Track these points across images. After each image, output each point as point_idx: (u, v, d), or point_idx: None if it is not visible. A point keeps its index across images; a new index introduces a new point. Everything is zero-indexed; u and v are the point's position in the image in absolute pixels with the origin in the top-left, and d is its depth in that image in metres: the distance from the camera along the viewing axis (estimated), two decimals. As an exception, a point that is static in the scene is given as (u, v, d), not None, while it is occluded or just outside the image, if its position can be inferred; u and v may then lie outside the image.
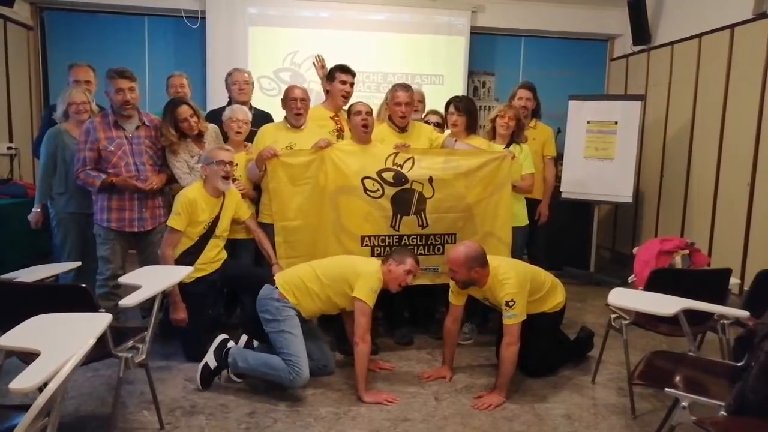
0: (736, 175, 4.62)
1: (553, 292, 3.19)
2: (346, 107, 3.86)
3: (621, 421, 2.78)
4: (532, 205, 4.09)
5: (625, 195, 5.29)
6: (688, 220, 5.20)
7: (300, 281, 3.04)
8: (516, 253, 3.69)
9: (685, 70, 5.29)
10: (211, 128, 3.76)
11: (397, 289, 3.14)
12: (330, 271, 3.07)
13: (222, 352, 3.05)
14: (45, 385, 1.63)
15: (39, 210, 3.89)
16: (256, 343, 3.23)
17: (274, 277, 3.11)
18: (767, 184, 4.33)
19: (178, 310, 3.27)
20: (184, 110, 3.56)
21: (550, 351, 3.26)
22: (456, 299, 3.19)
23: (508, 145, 3.79)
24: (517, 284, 2.94)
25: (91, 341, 1.82)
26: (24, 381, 1.58)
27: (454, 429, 2.69)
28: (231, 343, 3.10)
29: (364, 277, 2.98)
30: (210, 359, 3.03)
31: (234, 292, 3.89)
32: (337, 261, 3.21)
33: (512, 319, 2.93)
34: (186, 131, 3.59)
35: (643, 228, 5.88)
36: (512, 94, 4.41)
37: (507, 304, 2.92)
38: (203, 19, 5.80)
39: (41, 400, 1.61)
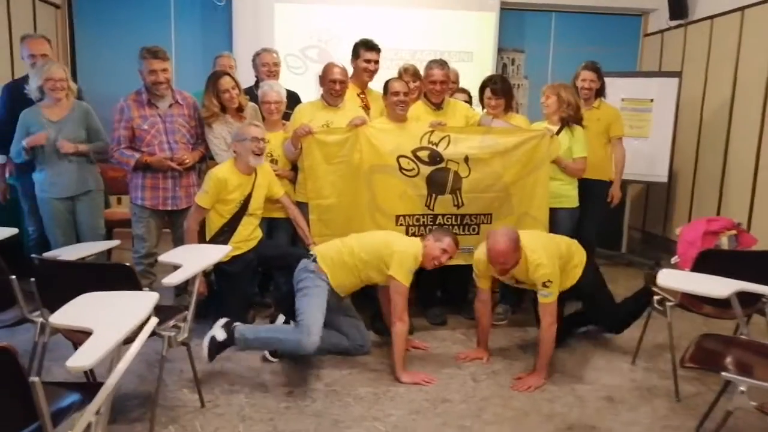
0: (777, 154, 4.48)
1: (572, 252, 3.14)
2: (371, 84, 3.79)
3: (665, 404, 2.74)
4: (588, 186, 3.89)
5: (660, 175, 5.18)
6: (725, 201, 5.08)
7: (338, 254, 3.03)
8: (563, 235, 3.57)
9: (725, 46, 5.12)
10: (251, 106, 3.73)
11: (432, 267, 3.10)
12: (368, 247, 3.05)
13: (229, 325, 2.96)
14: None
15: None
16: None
17: (313, 251, 3.10)
18: (811, 164, 4.20)
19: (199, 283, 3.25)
20: (226, 81, 3.55)
21: (615, 305, 3.26)
22: (482, 283, 3.15)
23: (560, 128, 3.67)
24: (551, 264, 2.90)
25: (153, 320, 1.82)
26: (81, 360, 1.58)
27: (494, 410, 2.67)
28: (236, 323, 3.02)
29: (399, 255, 2.96)
30: (218, 332, 2.90)
31: (268, 271, 3.88)
32: (376, 236, 3.18)
33: (549, 298, 2.89)
34: (226, 103, 3.57)
35: (676, 209, 5.75)
36: (575, 74, 4.24)
37: (544, 284, 2.87)
38: (230, -5, 5.73)
39: (112, 380, 1.62)
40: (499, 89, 3.71)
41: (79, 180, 3.61)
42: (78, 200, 3.63)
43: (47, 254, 2.90)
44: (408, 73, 3.89)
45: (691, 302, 2.91)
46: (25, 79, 3.74)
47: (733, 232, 3.22)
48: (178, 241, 3.61)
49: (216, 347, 2.94)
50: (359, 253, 3.02)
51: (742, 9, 4.92)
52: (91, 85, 3.77)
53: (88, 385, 2.32)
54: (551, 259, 2.93)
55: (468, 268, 3.71)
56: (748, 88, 4.83)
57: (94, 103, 3.85)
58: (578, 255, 3.17)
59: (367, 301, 3.46)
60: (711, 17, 5.33)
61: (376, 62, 3.85)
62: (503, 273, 2.99)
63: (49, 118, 3.50)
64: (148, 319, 1.90)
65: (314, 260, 3.02)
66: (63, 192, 3.57)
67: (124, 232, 4.42)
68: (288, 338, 2.86)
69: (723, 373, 2.07)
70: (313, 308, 2.88)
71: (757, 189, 4.71)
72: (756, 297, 2.68)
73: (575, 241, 3.22)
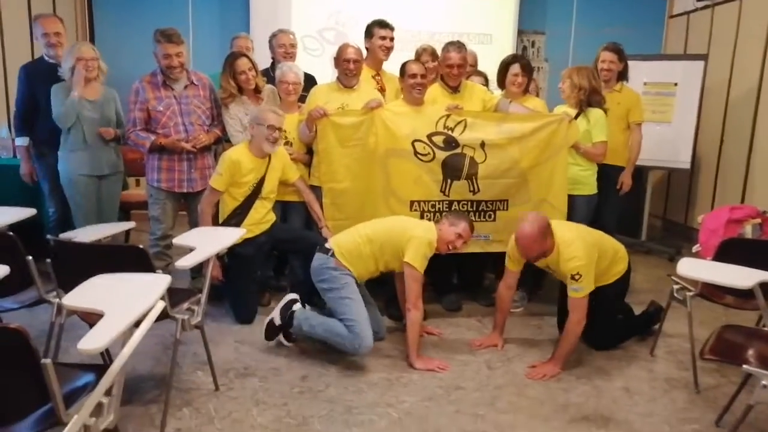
0: (805, 141, 4.35)
1: (615, 258, 3.03)
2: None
3: (683, 396, 2.69)
4: (606, 172, 3.83)
5: (683, 161, 5.06)
6: (750, 189, 4.95)
7: (354, 245, 3.00)
8: (580, 223, 3.47)
9: (755, 27, 4.96)
10: (268, 88, 3.71)
11: (446, 251, 3.07)
12: (383, 234, 3.02)
13: (288, 311, 3.03)
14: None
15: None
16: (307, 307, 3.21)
17: (328, 244, 3.05)
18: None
19: (213, 267, 3.26)
20: (243, 62, 3.53)
21: (616, 324, 3.15)
22: (513, 265, 3.08)
23: (579, 112, 3.58)
24: (585, 255, 2.79)
25: (160, 303, 1.81)
26: (91, 342, 1.57)
27: (509, 399, 2.64)
28: (297, 305, 3.07)
29: (414, 241, 2.92)
30: (276, 315, 3.04)
31: (283, 255, 3.88)
32: (391, 222, 3.13)
33: (579, 293, 2.80)
34: (243, 84, 3.55)
35: (699, 196, 5.63)
36: (596, 56, 4.15)
37: (573, 277, 2.78)
38: (247, -24, 5.68)
39: (118, 363, 1.61)
40: (527, 65, 3.67)
41: (110, 160, 3.70)
42: (106, 179, 3.70)
43: (63, 235, 2.91)
44: (426, 52, 3.84)
45: (712, 292, 2.84)
46: (41, 59, 3.75)
47: (758, 220, 3.13)
48: (194, 223, 3.62)
49: (273, 330, 3.04)
50: (376, 241, 2.99)
51: (773, -10, 4.77)
52: (111, 67, 3.75)
53: (103, 366, 2.32)
54: (588, 252, 2.82)
55: (484, 255, 3.70)
56: (777, 72, 4.69)
57: (114, 84, 3.86)
58: (622, 264, 3.06)
59: (381, 287, 3.44)
60: (740, -2, 5.17)
61: (392, 39, 3.81)
62: (533, 259, 2.94)
63: (85, 96, 3.53)
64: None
65: (332, 255, 2.98)
66: (96, 170, 3.63)
67: (141, 213, 4.45)
68: (344, 342, 2.86)
69: (744, 366, 2.02)
70: (356, 311, 2.88)
71: (783, 177, 4.59)
72: (780, 288, 2.61)
73: (623, 248, 3.09)
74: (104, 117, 3.64)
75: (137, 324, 1.78)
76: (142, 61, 4.02)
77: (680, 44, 6.04)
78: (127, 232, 3.85)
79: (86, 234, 2.89)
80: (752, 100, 4.94)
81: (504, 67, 3.77)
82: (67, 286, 2.32)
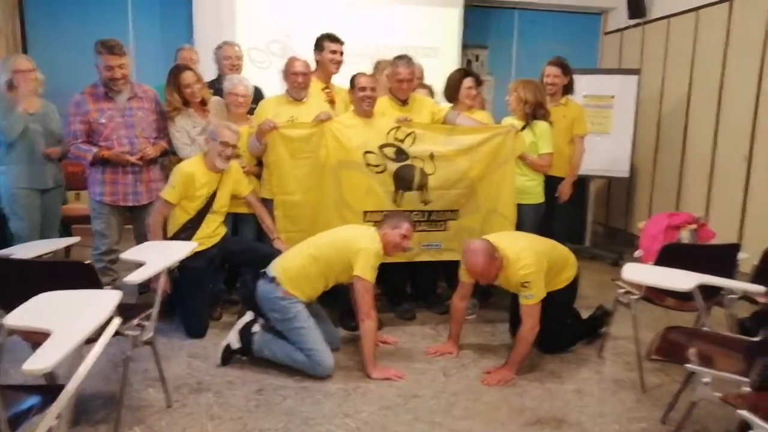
0: (732, 149, 4.63)
1: (566, 265, 3.12)
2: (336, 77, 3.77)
3: (631, 396, 2.79)
4: (553, 182, 3.96)
5: (622, 170, 5.30)
6: (684, 195, 5.22)
7: (299, 268, 2.94)
8: (528, 231, 3.51)
9: (681, 45, 5.26)
10: (215, 100, 3.66)
11: (395, 254, 3.10)
12: (328, 250, 2.97)
13: (246, 334, 2.98)
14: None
15: None
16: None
17: (272, 271, 2.97)
18: (764, 159, 4.35)
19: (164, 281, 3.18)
20: (188, 76, 3.47)
21: (565, 328, 3.22)
22: (467, 277, 3.11)
23: (525, 125, 3.68)
24: (534, 263, 2.85)
25: (116, 320, 1.75)
26: (38, 362, 1.50)
27: (465, 405, 2.67)
28: (256, 327, 3.01)
29: (363, 253, 2.91)
30: (233, 339, 2.98)
31: (234, 268, 3.81)
32: (334, 237, 3.08)
33: (531, 300, 2.85)
34: (189, 98, 3.49)
35: (637, 203, 5.90)
36: (541, 71, 4.27)
37: (523, 285, 2.84)
38: (191, -13, 5.59)
39: (73, 384, 1.55)
40: (478, 78, 3.78)
41: (53, 173, 3.63)
42: (48, 193, 3.61)
43: (0, 252, 2.77)
44: (379, 68, 3.89)
45: (654, 295, 2.96)
46: None
47: (694, 226, 3.31)
48: (140, 237, 3.52)
49: (230, 354, 2.97)
50: (322, 259, 2.95)
51: (696, 9, 5.08)
52: (47, 79, 3.63)
53: (48, 387, 2.22)
54: (537, 260, 2.86)
55: (436, 264, 3.74)
56: (704, 86, 4.98)
57: (50, 96, 3.72)
58: (571, 270, 3.13)
59: (334, 298, 3.42)
60: (667, 17, 5.48)
61: (341, 53, 3.83)
62: (490, 282, 2.99)
63: (26, 109, 3.43)
64: (110, 318, 1.83)
65: (277, 283, 2.91)
66: (40, 184, 3.54)
67: (83, 228, 4.29)
68: (305, 368, 2.86)
69: (688, 365, 2.11)
70: (312, 339, 2.87)
71: (713, 184, 4.86)
72: (716, 290, 2.75)
73: (572, 255, 3.17)
74: (47, 129, 3.56)
75: (88, 342, 1.71)
76: (77, 73, 3.89)
77: (615, 59, 6.33)
78: (68, 248, 3.69)
79: (25, 250, 2.76)
80: (682, 113, 5.23)
81: (457, 81, 3.83)
82: (8, 305, 2.22)
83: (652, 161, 5.65)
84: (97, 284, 2.27)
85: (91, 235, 3.61)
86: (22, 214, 3.47)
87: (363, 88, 3.45)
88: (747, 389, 1.94)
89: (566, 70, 4.22)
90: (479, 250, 2.86)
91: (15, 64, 3.41)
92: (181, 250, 2.76)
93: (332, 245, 3.01)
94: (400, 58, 3.62)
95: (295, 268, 2.95)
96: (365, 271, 2.89)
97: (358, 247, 2.93)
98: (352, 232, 3.11)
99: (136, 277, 2.31)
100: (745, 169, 4.48)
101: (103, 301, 1.92)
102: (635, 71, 5.41)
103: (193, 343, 3.21)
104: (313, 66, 3.75)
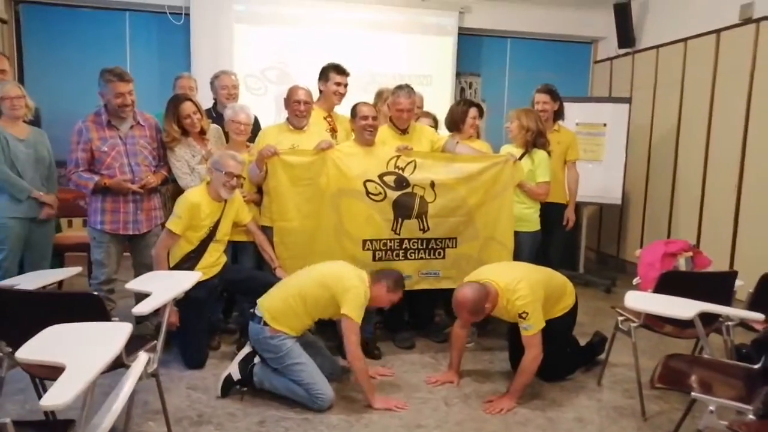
0: (723, 177, 4.72)
1: (563, 293, 3.15)
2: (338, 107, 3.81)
3: (632, 424, 2.80)
4: (548, 209, 4.01)
5: (614, 197, 5.38)
6: (675, 222, 5.30)
7: (285, 306, 2.91)
8: (525, 259, 3.62)
9: (670, 74, 5.39)
10: (213, 128, 3.69)
11: (387, 306, 3.13)
12: (315, 288, 2.93)
13: (247, 366, 2.97)
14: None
15: None
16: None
17: (258, 311, 2.96)
18: (754, 187, 4.44)
19: (171, 313, 3.17)
20: (187, 107, 3.49)
21: (564, 356, 3.24)
22: None
23: (524, 153, 3.74)
24: (530, 293, 2.87)
25: (143, 356, 1.78)
26: (56, 397, 1.50)
27: (469, 434, 2.67)
28: (257, 358, 3.00)
29: (352, 292, 2.87)
30: (234, 370, 2.96)
31: (231, 297, 3.80)
32: (321, 273, 3.01)
33: (530, 330, 2.87)
34: (188, 128, 3.51)
35: (629, 230, 5.97)
36: (531, 99, 4.36)
37: (521, 315, 2.86)
38: (188, 15, 5.66)
39: (108, 422, 1.55)
40: (480, 108, 3.89)
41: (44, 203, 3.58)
42: (39, 222, 3.57)
43: (3, 283, 2.75)
44: (382, 97, 3.95)
45: (653, 322, 2.99)
46: None
47: (690, 253, 3.37)
48: (139, 266, 3.51)
49: (231, 385, 2.95)
50: (309, 297, 2.91)
51: (684, 40, 5.21)
52: (44, 107, 3.65)
53: (50, 423, 2.20)
54: (532, 290, 2.88)
55: (435, 292, 3.76)
56: (693, 114, 5.09)
57: (47, 123, 3.74)
58: (569, 298, 3.16)
59: (332, 327, 3.42)
60: (656, 47, 5.61)
61: (346, 85, 3.88)
62: (486, 316, 3.01)
63: (16, 135, 3.45)
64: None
65: (264, 323, 2.89)
66: (30, 212, 3.51)
67: (75, 256, 4.27)
68: (305, 402, 2.85)
69: (693, 394, 2.14)
70: (308, 373, 2.85)
71: (704, 211, 4.94)
72: (714, 316, 2.80)
73: (569, 283, 3.20)
74: (38, 155, 3.55)
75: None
76: (74, 101, 3.93)
77: (605, 88, 6.46)
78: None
79: (29, 281, 2.74)
80: (673, 140, 5.33)
81: (463, 113, 3.90)
82: (11, 337, 2.21)
83: (644, 188, 5.74)
84: (104, 316, 2.26)
85: (84, 263, 3.59)
86: (7, 243, 3.44)
87: (365, 117, 3.50)
88: (751, 417, 1.97)
89: (554, 96, 4.33)
90: (469, 292, 2.88)
91: (3, 91, 3.43)
92: (186, 280, 2.75)
93: (319, 282, 2.95)
94: (400, 88, 3.67)
95: (281, 305, 2.92)
96: (353, 309, 2.84)
97: (346, 286, 2.89)
98: (340, 269, 3.04)
99: (143, 308, 2.31)
100: (735, 198, 4.56)
101: (115, 333, 1.92)
102: (626, 99, 5.52)
103: (192, 374, 3.19)
104: (315, 95, 3.79)
